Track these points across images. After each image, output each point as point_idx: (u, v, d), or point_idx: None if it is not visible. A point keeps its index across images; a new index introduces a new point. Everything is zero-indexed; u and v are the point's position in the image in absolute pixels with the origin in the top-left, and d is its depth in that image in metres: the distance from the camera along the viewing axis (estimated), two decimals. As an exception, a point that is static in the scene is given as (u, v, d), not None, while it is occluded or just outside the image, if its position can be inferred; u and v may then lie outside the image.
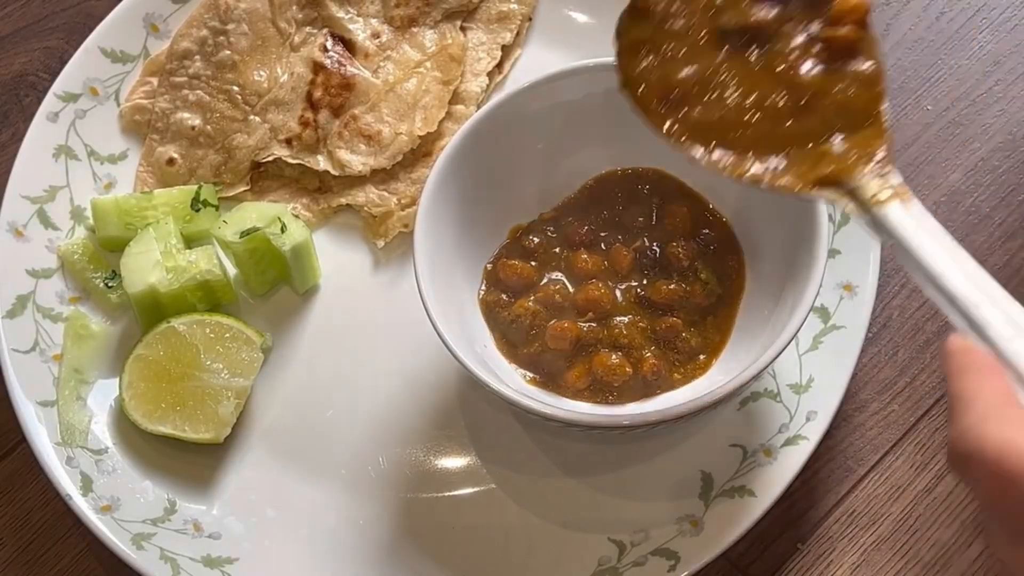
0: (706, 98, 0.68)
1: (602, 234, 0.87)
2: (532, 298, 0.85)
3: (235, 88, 1.02)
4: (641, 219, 0.87)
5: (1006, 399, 0.50)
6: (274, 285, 0.97)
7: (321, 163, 1.00)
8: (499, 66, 1.04)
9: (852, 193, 0.63)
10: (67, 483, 0.88)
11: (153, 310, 0.93)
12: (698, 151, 0.68)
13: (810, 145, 0.65)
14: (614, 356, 0.82)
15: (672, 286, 0.84)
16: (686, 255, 0.85)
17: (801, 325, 0.76)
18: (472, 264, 0.88)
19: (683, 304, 0.84)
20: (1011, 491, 0.47)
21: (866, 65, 0.67)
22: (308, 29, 1.04)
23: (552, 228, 0.89)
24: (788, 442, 0.84)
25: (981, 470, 0.48)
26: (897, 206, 0.61)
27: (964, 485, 0.50)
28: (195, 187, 0.98)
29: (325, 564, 0.87)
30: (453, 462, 0.89)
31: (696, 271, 0.84)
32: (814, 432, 0.83)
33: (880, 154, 0.64)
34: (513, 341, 0.85)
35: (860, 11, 0.68)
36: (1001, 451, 0.48)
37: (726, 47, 0.69)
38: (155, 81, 1.04)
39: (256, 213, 0.94)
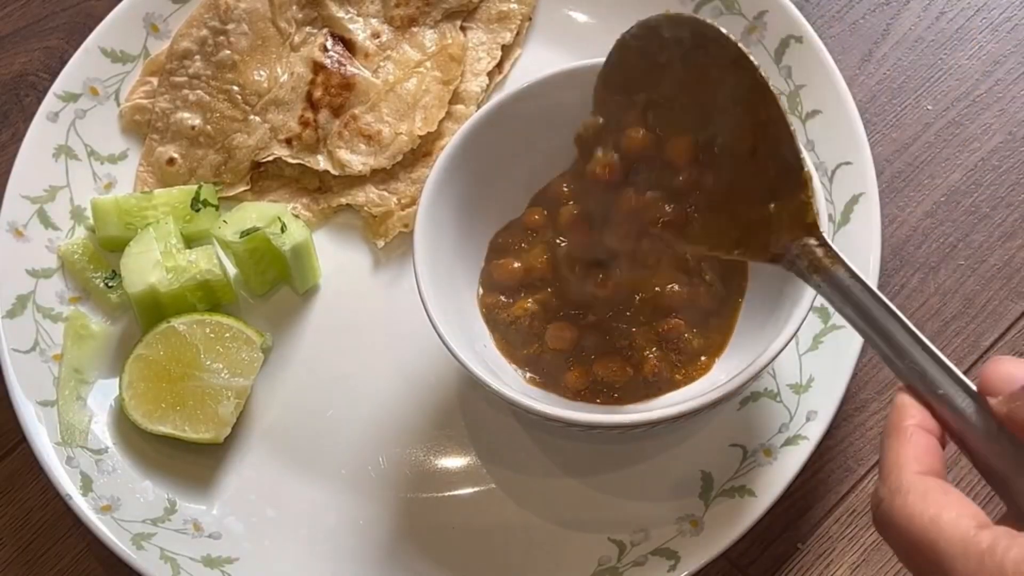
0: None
1: None
2: (531, 299, 0.85)
3: (235, 88, 1.02)
4: None
5: (920, 464, 0.57)
6: (274, 285, 0.97)
7: (321, 163, 1.00)
8: (499, 66, 1.04)
9: (797, 258, 0.68)
10: (67, 483, 0.88)
11: (153, 310, 0.93)
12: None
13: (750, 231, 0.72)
14: (615, 357, 0.82)
15: (676, 288, 0.83)
16: (693, 256, 0.84)
17: (801, 325, 0.76)
18: (472, 265, 0.88)
19: (687, 306, 0.84)
20: (915, 558, 0.54)
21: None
22: (308, 29, 1.04)
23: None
24: (788, 442, 0.84)
25: (895, 539, 0.55)
26: (839, 269, 0.66)
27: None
28: (195, 187, 0.98)
29: (325, 564, 0.87)
30: (453, 462, 0.89)
31: (702, 272, 0.84)
32: (814, 432, 0.83)
33: (808, 213, 0.69)
34: (513, 342, 0.85)
35: (687, 153, 0.74)
36: (904, 525, 0.54)
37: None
38: (155, 81, 1.04)
39: (256, 213, 0.94)
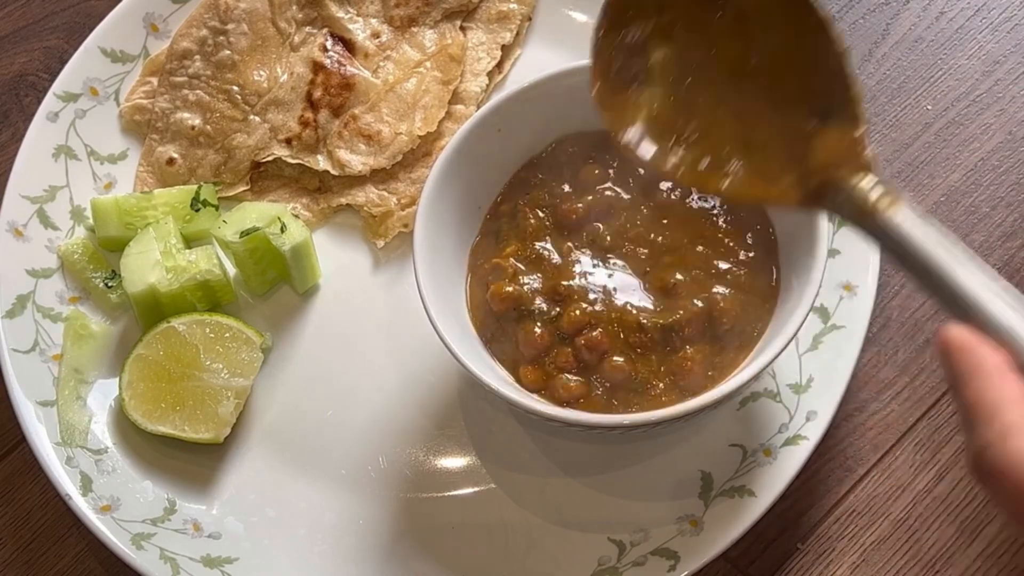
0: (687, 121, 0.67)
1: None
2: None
3: (235, 88, 1.02)
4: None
5: (1022, 403, 0.50)
6: (274, 285, 0.97)
7: (321, 163, 1.00)
8: (499, 66, 1.04)
9: (845, 201, 0.60)
10: (67, 483, 0.88)
11: (153, 310, 0.93)
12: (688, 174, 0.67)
13: (791, 151, 0.64)
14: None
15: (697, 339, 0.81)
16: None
17: (801, 325, 0.76)
18: (472, 264, 0.88)
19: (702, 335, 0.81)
20: None
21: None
22: (308, 29, 1.04)
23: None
24: (788, 442, 0.84)
25: (1006, 488, 0.49)
26: (894, 211, 0.58)
27: (988, 498, 0.50)
28: (195, 187, 0.98)
29: (325, 564, 0.87)
30: (453, 462, 0.89)
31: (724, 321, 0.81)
32: (814, 432, 0.83)
33: (863, 149, 0.61)
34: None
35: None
36: None
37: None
38: (155, 81, 1.04)
39: (256, 213, 0.94)
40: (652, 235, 0.83)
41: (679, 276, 0.81)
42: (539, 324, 0.81)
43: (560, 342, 0.81)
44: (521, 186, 0.88)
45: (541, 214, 0.86)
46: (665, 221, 0.84)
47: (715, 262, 0.82)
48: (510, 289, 0.82)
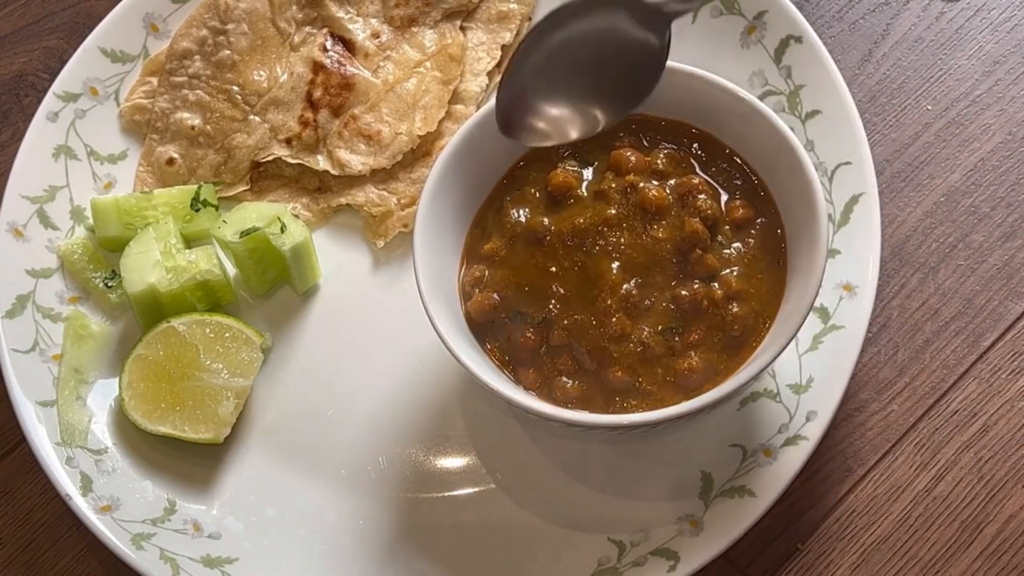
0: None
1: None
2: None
3: (235, 88, 1.02)
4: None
5: None
6: (274, 285, 0.97)
7: (321, 163, 1.00)
8: (499, 66, 1.04)
9: None
10: (67, 483, 0.88)
11: (153, 310, 0.93)
12: None
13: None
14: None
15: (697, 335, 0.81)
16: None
17: (801, 325, 0.76)
18: (472, 264, 0.88)
19: (706, 341, 0.81)
20: None
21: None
22: (308, 29, 1.04)
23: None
24: (788, 442, 0.84)
25: None
26: None
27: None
28: (195, 187, 0.98)
29: (325, 564, 0.87)
30: (453, 462, 0.89)
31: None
32: (814, 432, 0.83)
33: None
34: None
35: None
36: None
37: None
38: (155, 81, 1.04)
39: (256, 213, 0.94)
40: (641, 238, 0.83)
41: (679, 282, 0.81)
42: (529, 328, 0.81)
43: (554, 350, 0.81)
44: (514, 183, 0.87)
45: (525, 212, 0.85)
46: (655, 225, 0.83)
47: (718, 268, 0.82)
48: (486, 301, 0.82)
